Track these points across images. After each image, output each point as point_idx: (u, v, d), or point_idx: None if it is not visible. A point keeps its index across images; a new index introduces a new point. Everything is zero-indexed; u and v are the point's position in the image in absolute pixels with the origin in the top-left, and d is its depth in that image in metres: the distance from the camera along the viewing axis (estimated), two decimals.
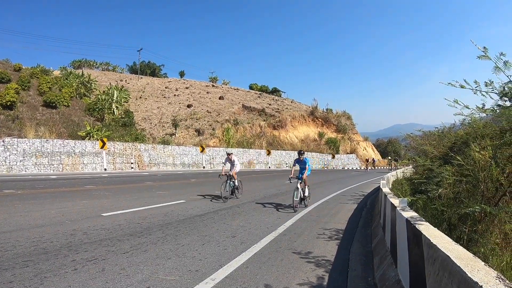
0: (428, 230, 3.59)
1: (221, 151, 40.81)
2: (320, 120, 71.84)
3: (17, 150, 23.66)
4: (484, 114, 6.98)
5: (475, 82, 6.01)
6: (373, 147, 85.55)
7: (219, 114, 60.59)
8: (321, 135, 66.35)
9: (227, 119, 57.61)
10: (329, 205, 14.10)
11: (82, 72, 55.07)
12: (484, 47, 5.53)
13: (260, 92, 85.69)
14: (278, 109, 69.46)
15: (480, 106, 6.66)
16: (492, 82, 5.80)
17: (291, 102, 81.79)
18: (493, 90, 5.87)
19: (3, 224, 8.05)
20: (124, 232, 7.84)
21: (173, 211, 10.78)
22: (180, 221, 9.38)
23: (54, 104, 35.71)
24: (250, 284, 5.12)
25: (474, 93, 6.16)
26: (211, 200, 13.43)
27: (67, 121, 34.47)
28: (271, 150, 47.40)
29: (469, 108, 6.81)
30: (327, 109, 77.16)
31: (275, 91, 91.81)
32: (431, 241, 3.09)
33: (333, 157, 59.15)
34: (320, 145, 62.75)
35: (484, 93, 5.96)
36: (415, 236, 3.73)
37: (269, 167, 45.60)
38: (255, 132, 56.97)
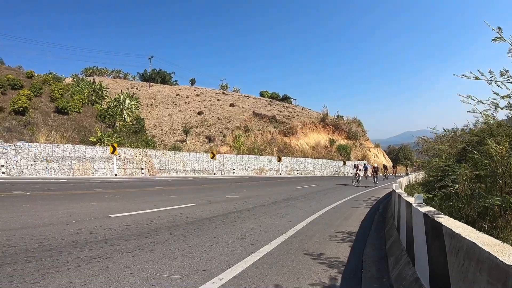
0: (448, 221, 3.36)
1: (231, 157, 40.68)
2: (331, 127, 71.48)
3: (28, 154, 23.72)
4: (499, 109, 6.72)
5: (490, 72, 5.78)
6: (384, 153, 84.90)
7: (229, 121, 60.58)
8: (332, 142, 65.97)
9: (237, 126, 57.57)
10: (340, 209, 13.84)
11: (94, 79, 55.60)
12: (499, 28, 5.31)
13: (270, 100, 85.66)
14: (289, 116, 69.34)
15: (495, 100, 6.43)
16: (508, 70, 5.57)
17: (302, 109, 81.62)
18: (508, 79, 5.63)
19: (10, 222, 7.93)
20: (131, 232, 7.67)
21: (182, 214, 10.59)
22: (189, 223, 9.19)
23: (65, 110, 35.93)
24: (260, 284, 4.91)
25: (489, 84, 5.93)
26: (220, 204, 13.21)
27: (78, 127, 34.63)
28: (282, 157, 47.13)
29: (483, 103, 6.58)
30: (337, 116, 76.82)
31: (285, 98, 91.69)
32: (454, 230, 2.87)
33: (344, 163, 58.67)
34: (331, 152, 62.36)
35: (499, 83, 5.73)
36: (434, 229, 3.50)
37: (280, 174, 45.32)
38: (266, 139, 56.79)
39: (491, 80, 5.87)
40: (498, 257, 1.97)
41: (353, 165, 38.25)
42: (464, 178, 6.63)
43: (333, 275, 5.53)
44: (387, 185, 29.18)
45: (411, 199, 5.95)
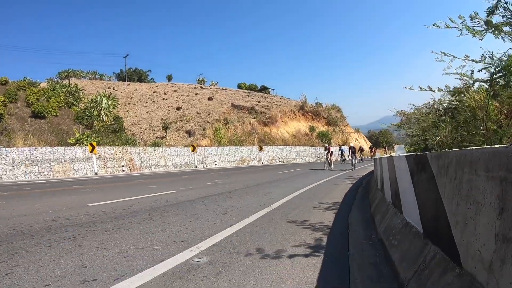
0: (431, 152, 3.14)
1: (212, 150, 40.28)
2: (310, 114, 71.36)
3: (5, 160, 23.09)
4: (473, 63, 6.52)
5: (460, 17, 5.56)
6: (365, 138, 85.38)
7: (208, 114, 60.07)
8: (312, 129, 65.87)
9: (217, 119, 57.11)
10: (323, 186, 13.69)
11: (69, 82, 54.42)
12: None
13: (248, 91, 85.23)
14: (268, 106, 69.03)
15: (468, 56, 6.24)
16: (477, 13, 5.37)
17: (280, 98, 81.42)
18: (479, 22, 5.43)
19: None
20: (108, 216, 7.32)
21: (162, 199, 10.26)
22: (168, 205, 8.86)
23: (42, 114, 35.20)
24: (240, 249, 4.64)
25: (460, 30, 5.73)
26: (202, 190, 12.89)
27: (56, 130, 33.95)
28: (263, 146, 46.86)
29: (457, 58, 6.38)
30: (316, 103, 76.73)
31: (263, 89, 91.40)
32: (439, 152, 2.65)
33: (325, 149, 58.67)
34: (312, 139, 62.29)
35: (470, 30, 5.53)
36: (419, 163, 3.31)
37: (262, 163, 45.06)
38: (246, 130, 56.45)
39: (462, 25, 5.66)
40: (492, 146, 1.74)
41: (324, 147, 30.49)
42: (445, 131, 6.47)
43: (318, 236, 5.31)
44: (368, 166, 29.10)
45: (392, 155, 5.77)
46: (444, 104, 8.92)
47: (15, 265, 4.06)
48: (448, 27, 5.82)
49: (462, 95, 7.08)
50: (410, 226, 3.76)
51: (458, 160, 2.27)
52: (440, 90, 7.60)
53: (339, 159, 41.17)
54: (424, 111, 11.81)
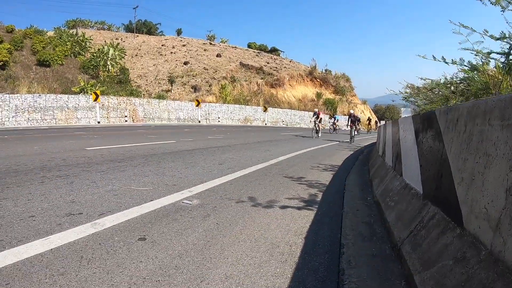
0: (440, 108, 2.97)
1: (217, 107, 40.06)
2: (318, 80, 70.63)
3: (9, 106, 22.96)
4: (493, 43, 6.22)
5: None
6: (371, 111, 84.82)
7: (216, 71, 59.44)
8: (319, 95, 65.37)
9: (224, 76, 56.57)
10: (324, 150, 13.55)
11: (76, 31, 53.65)
12: None
13: (258, 51, 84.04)
14: (276, 68, 68.20)
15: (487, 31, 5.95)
16: None
17: (290, 61, 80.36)
18: None
19: None
20: (104, 159, 7.25)
21: (161, 147, 10.18)
22: (166, 153, 8.78)
23: (48, 62, 34.85)
24: (232, 196, 4.55)
25: (482, 1, 5.44)
26: (202, 142, 12.78)
27: (61, 79, 33.72)
28: (268, 108, 46.58)
29: (475, 31, 6.07)
30: (326, 70, 75.76)
31: (274, 50, 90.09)
32: (449, 106, 2.47)
33: (331, 117, 58.45)
34: (317, 105, 61.80)
35: (492, 2, 5.24)
36: (426, 120, 3.13)
37: (266, 124, 44.92)
38: (253, 89, 56.00)
39: None
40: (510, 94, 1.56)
41: (314, 112, 25.14)
42: (455, 101, 6.26)
43: (313, 193, 5.20)
44: (369, 138, 28.58)
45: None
46: (456, 80, 8.66)
47: (4, 197, 4.00)
48: None
49: (476, 72, 6.82)
50: (409, 188, 3.63)
51: (469, 111, 2.10)
52: (454, 62, 7.33)
53: (331, 129, 35.90)
54: (434, 83, 11.51)
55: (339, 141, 20.08)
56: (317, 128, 23.44)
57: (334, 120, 36.89)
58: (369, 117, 51.53)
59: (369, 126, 47.33)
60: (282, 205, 4.30)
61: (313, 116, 23.98)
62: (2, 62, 30.30)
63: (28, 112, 23.90)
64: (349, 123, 22.75)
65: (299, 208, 4.21)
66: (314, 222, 3.71)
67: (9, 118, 22.92)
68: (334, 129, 35.27)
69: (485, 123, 1.89)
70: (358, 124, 33.04)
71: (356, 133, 24.59)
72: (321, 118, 24.05)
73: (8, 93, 24.52)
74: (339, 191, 5.55)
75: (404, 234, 2.93)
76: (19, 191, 4.33)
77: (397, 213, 3.51)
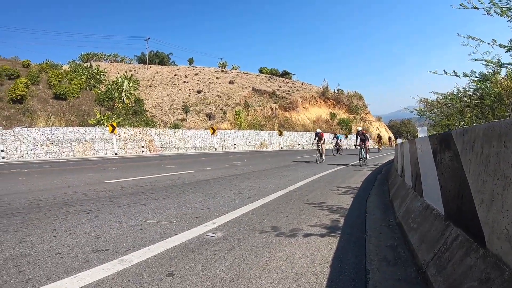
0: (455, 129, 3.01)
1: (232, 133, 40.33)
2: (331, 101, 70.82)
3: (27, 139, 23.51)
4: (502, 51, 6.25)
5: None
6: (386, 127, 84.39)
7: (229, 98, 59.98)
8: (333, 115, 65.44)
9: (237, 103, 57.02)
10: (342, 172, 13.52)
11: (91, 64, 54.86)
12: None
13: (270, 76, 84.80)
14: (289, 91, 68.61)
15: (495, 41, 5.99)
16: None
17: (302, 84, 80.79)
18: (507, 3, 5.21)
19: (3, 189, 7.80)
20: (125, 192, 7.39)
21: (180, 178, 10.29)
22: (186, 184, 8.88)
23: (64, 96, 35.60)
24: (255, 226, 4.58)
25: (488, 13, 5.51)
26: (220, 171, 12.87)
27: (77, 111, 34.34)
28: (283, 131, 46.73)
29: (484, 42, 6.13)
30: (338, 90, 76.00)
31: (285, 74, 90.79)
32: (465, 127, 2.52)
33: (346, 137, 58.27)
34: (332, 126, 61.91)
35: (498, 6, 5.31)
36: (443, 141, 3.17)
37: (281, 148, 45.01)
38: (267, 114, 56.33)
39: (490, 7, 5.44)
40: None
41: (315, 132, 21.33)
42: (469, 115, 6.27)
43: (335, 218, 5.21)
44: (383, 156, 28.12)
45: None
46: (469, 92, 8.65)
47: (30, 234, 4.11)
48: (475, 7, 5.61)
49: (488, 82, 6.84)
50: (430, 209, 3.64)
51: (485, 133, 2.15)
52: (465, 75, 7.36)
53: (334, 149, 32.16)
54: (448, 97, 11.50)
55: (346, 165, 17.26)
56: (320, 151, 19.96)
57: (337, 140, 32.48)
58: (378, 134, 46.40)
59: (380, 143, 41.69)
60: (306, 233, 4.33)
61: (315, 138, 20.82)
62: (19, 96, 31.13)
63: (47, 145, 24.42)
64: (358, 143, 18.61)
65: (322, 235, 4.23)
66: (338, 249, 3.73)
67: (27, 151, 23.41)
68: (338, 150, 31.79)
69: (501, 145, 1.93)
70: (373, 140, 28.08)
71: (365, 152, 18.38)
72: (324, 140, 20.63)
73: (26, 127, 25.09)
74: (360, 214, 5.56)
75: (428, 256, 2.94)
76: (43, 227, 4.44)
77: (420, 235, 3.52)
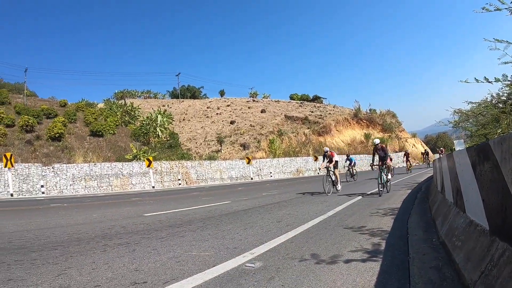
0: (493, 139, 2.91)
1: (267, 162, 40.30)
2: (364, 121, 70.09)
3: (66, 175, 24.13)
4: None
5: None
6: (422, 143, 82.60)
7: (262, 127, 60.28)
8: (367, 136, 64.59)
9: (271, 131, 57.18)
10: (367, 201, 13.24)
11: (125, 101, 56.46)
12: None
13: (301, 101, 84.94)
14: (321, 115, 68.43)
15: None
16: None
17: (333, 107, 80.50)
18: None
19: (43, 224, 7.97)
20: (163, 225, 7.44)
21: (217, 209, 10.31)
22: (223, 215, 8.88)
23: (100, 133, 36.58)
24: (295, 255, 4.51)
25: (510, 10, 5.41)
26: (257, 200, 12.84)
27: (114, 147, 35.16)
28: (318, 157, 46.39)
29: None
30: (370, 110, 75.23)
31: (316, 99, 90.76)
32: (503, 136, 2.43)
33: (325, 156, 56.94)
34: (367, 147, 60.99)
35: None
36: (481, 152, 3.07)
37: (318, 173, 44.59)
38: (300, 140, 56.16)
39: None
40: None
41: (324, 152, 16.40)
42: (506, 121, 6.08)
43: (376, 241, 5.08)
44: (417, 174, 27.15)
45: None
46: (503, 97, 8.38)
47: (69, 267, 4.18)
48: (498, 9, 5.52)
49: None
50: (474, 224, 3.50)
51: None
52: (497, 80, 7.16)
53: (347, 174, 26.48)
54: (482, 106, 11.16)
55: (362, 195, 13.21)
56: (331, 178, 15.31)
57: (350, 162, 26.02)
58: (424, 151, 45.04)
59: (408, 162, 35.63)
60: (346, 259, 4.23)
61: (323, 159, 15.78)
62: (58, 134, 32.15)
63: (85, 180, 24.92)
64: (376, 163, 14.46)
65: (363, 261, 4.12)
66: (380, 274, 3.62)
67: (67, 186, 23.95)
68: (352, 175, 25.75)
69: None
70: (389, 160, 16.92)
71: (387, 173, 13.93)
72: (336, 162, 15.52)
73: (65, 163, 25.79)
74: (402, 236, 5.41)
75: (475, 275, 2.82)
76: (82, 259, 4.51)
77: (465, 253, 3.38)
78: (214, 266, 4.08)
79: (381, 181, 12.93)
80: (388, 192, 13.38)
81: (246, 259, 4.36)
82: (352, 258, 4.24)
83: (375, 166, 14.05)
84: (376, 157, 14.47)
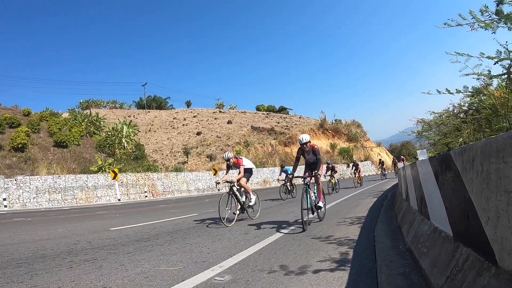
0: (454, 149, 3.00)
1: (234, 172, 40.21)
2: (330, 131, 71.05)
3: (29, 188, 23.35)
4: (491, 63, 6.33)
5: (471, 12, 5.51)
6: (387, 152, 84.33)
7: (229, 138, 60.25)
8: (333, 146, 65.47)
9: (237, 142, 57.20)
10: (347, 202, 13.44)
11: (90, 111, 55.38)
12: None
13: (267, 112, 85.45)
14: (287, 126, 69.00)
15: (483, 54, 6.08)
16: (487, 6, 5.30)
17: (299, 118, 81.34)
18: (490, 16, 5.34)
19: (6, 239, 7.72)
20: (130, 239, 7.28)
21: (184, 221, 10.19)
22: (191, 228, 8.78)
23: (64, 143, 35.73)
24: (264, 267, 4.50)
25: (472, 28, 5.63)
26: None
27: (78, 159, 34.38)
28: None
29: (472, 56, 6.21)
30: (335, 120, 76.38)
31: (282, 110, 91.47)
32: (462, 147, 2.51)
33: (348, 166, 58.08)
34: (333, 156, 61.80)
35: (481, 21, 5.43)
36: (443, 163, 3.17)
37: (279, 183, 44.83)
38: (267, 151, 56.38)
39: (473, 22, 5.55)
40: None
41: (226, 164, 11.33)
42: (467, 131, 6.28)
43: (344, 251, 5.13)
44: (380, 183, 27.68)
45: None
46: (464, 107, 8.68)
47: (34, 285, 4.05)
48: (459, 24, 5.72)
49: (481, 94, 6.89)
50: (439, 231, 3.59)
51: (483, 151, 2.15)
52: (458, 91, 7.40)
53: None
54: (444, 116, 11.50)
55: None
56: (289, 188, 15.46)
57: (286, 174, 20.21)
58: (380, 159, 43.58)
59: (358, 174, 27.56)
60: (315, 269, 4.24)
61: (227, 169, 11.74)
62: (21, 145, 31.25)
63: (49, 193, 24.14)
64: (299, 174, 10.16)
65: (332, 270, 4.14)
66: (349, 283, 3.65)
67: (30, 199, 23.15)
68: (334, 188, 20.35)
69: (499, 161, 1.92)
70: (321, 169, 15.15)
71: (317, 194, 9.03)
72: (246, 172, 11.53)
73: (28, 175, 24.96)
74: (369, 244, 5.48)
75: (441, 280, 2.88)
76: (48, 277, 4.37)
77: (431, 259, 3.45)
78: (183, 280, 4.02)
79: (306, 205, 7.96)
80: (321, 221, 8.73)
81: (215, 272, 4.32)
82: (321, 268, 4.26)
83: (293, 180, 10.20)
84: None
